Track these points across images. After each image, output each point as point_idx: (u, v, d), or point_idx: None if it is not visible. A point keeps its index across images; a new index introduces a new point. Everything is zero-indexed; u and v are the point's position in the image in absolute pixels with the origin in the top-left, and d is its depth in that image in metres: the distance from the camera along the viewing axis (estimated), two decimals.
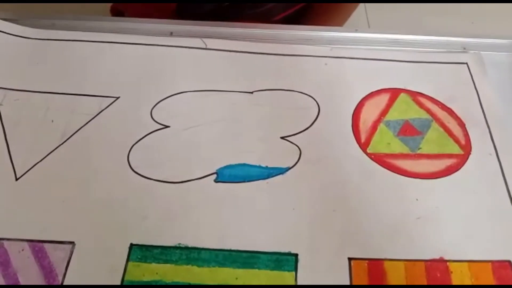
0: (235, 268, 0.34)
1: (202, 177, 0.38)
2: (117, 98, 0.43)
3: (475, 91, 0.45)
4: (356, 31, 0.50)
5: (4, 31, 0.48)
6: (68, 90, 0.43)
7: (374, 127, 0.42)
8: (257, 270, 0.34)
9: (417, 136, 0.41)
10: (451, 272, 0.34)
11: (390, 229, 0.36)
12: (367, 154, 0.40)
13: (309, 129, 0.41)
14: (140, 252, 0.34)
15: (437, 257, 0.34)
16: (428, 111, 0.43)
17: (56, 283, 0.33)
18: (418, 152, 0.40)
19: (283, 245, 0.35)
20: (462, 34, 0.50)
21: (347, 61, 0.47)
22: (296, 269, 0.34)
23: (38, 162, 0.39)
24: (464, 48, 0.49)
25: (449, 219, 0.36)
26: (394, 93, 0.44)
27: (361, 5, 1.36)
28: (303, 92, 0.44)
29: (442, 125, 0.42)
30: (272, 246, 0.35)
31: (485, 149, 0.41)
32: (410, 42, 0.49)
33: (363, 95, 0.44)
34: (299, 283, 0.33)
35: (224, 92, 0.44)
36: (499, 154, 0.40)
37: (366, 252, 0.35)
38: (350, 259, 0.34)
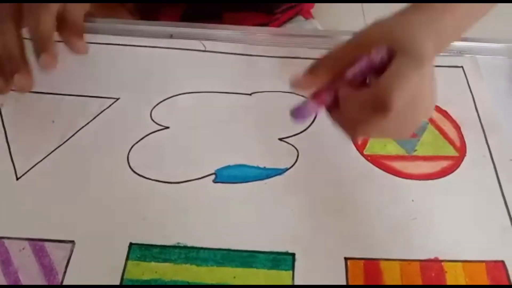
0: (233, 267, 0.34)
1: (201, 177, 0.39)
2: (117, 99, 0.44)
3: (470, 94, 0.45)
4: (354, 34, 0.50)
5: None
6: (68, 91, 0.44)
7: None
8: (254, 269, 0.34)
9: (413, 139, 0.42)
10: (446, 272, 0.34)
11: (386, 230, 0.36)
12: (363, 155, 0.41)
13: (307, 130, 0.42)
14: (139, 251, 0.35)
15: (432, 257, 0.35)
16: None
17: (56, 281, 0.33)
18: (414, 154, 0.41)
19: (280, 245, 0.35)
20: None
21: None
22: (293, 269, 0.34)
23: (38, 162, 0.39)
24: (460, 52, 0.49)
25: (444, 219, 0.37)
26: None
27: (359, 7, 1.37)
28: (301, 94, 0.44)
29: (438, 127, 0.43)
30: (270, 245, 0.35)
31: (480, 151, 0.41)
32: None
33: None
34: (296, 282, 0.34)
35: (223, 93, 0.44)
36: (494, 156, 0.41)
37: (362, 252, 0.35)
38: (346, 258, 0.35)
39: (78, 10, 0.43)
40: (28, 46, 0.38)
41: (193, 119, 0.42)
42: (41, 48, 0.37)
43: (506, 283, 0.34)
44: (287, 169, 0.39)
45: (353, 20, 1.33)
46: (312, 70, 0.33)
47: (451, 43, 0.40)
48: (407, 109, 0.31)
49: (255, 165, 0.40)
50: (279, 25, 0.66)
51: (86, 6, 0.44)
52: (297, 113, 0.33)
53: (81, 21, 0.43)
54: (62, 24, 0.41)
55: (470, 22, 0.39)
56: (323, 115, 0.43)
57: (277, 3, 0.64)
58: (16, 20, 0.39)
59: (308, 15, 0.69)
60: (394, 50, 0.32)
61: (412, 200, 0.38)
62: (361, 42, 0.33)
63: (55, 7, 0.39)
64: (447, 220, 0.37)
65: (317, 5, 0.72)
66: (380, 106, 0.30)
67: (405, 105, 0.30)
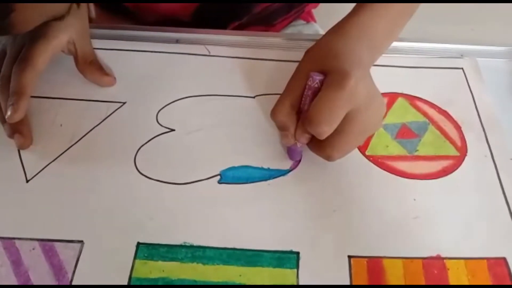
0: (239, 266, 0.35)
1: (206, 178, 0.39)
2: (124, 103, 0.45)
3: (470, 95, 0.46)
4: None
5: None
6: (76, 95, 0.45)
7: None
8: (260, 267, 0.35)
9: (414, 139, 0.42)
10: (448, 269, 0.35)
11: (389, 228, 0.37)
12: (365, 156, 0.41)
13: None
14: (146, 250, 0.35)
15: (434, 254, 0.36)
16: (425, 114, 0.44)
17: (65, 280, 0.34)
18: (415, 154, 0.41)
19: (285, 244, 0.36)
20: (461, 41, 0.51)
21: None
22: (297, 267, 0.35)
23: (48, 165, 0.40)
24: (461, 55, 0.50)
25: (446, 218, 0.38)
26: (392, 97, 0.46)
27: None
28: None
29: (439, 128, 0.43)
30: (275, 244, 0.36)
31: (481, 151, 0.42)
32: (409, 49, 0.50)
33: None
34: (301, 280, 0.34)
35: (227, 96, 0.45)
36: (494, 156, 0.41)
37: (365, 250, 0.36)
38: (350, 257, 0.35)
39: (87, 44, 0.46)
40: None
41: (198, 121, 0.43)
42: (15, 101, 0.40)
43: (508, 280, 0.34)
44: (290, 170, 0.40)
45: None
46: (281, 122, 0.38)
47: (391, 44, 0.44)
48: (355, 117, 0.35)
49: (259, 166, 0.40)
50: (279, 30, 0.67)
51: (88, 33, 0.47)
52: (291, 155, 0.40)
53: (94, 54, 0.46)
54: (82, 65, 0.45)
55: (403, 21, 0.43)
56: None
57: (276, 16, 0.64)
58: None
59: (309, 18, 0.70)
60: (325, 72, 0.36)
61: (414, 199, 0.39)
62: (299, 76, 0.38)
63: (45, 59, 0.42)
64: (449, 218, 0.38)
65: (318, 8, 0.73)
66: (315, 132, 0.35)
67: (347, 119, 0.34)
